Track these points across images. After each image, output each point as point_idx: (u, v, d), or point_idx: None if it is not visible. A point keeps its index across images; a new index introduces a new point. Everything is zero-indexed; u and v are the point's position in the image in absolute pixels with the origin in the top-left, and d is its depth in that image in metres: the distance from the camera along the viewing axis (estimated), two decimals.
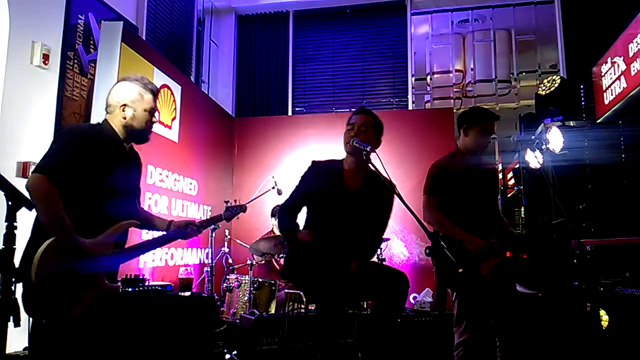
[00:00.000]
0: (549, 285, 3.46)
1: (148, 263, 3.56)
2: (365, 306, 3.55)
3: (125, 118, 2.05)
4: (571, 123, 4.17)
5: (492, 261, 2.48)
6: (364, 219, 2.38)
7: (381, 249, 4.01)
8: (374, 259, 3.84)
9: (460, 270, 2.57)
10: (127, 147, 2.11)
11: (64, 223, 1.78)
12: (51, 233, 1.77)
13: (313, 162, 2.55)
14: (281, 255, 3.74)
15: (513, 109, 5.53)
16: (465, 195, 2.57)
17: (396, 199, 2.10)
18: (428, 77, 5.77)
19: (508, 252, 2.60)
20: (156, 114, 2.16)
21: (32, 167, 2.92)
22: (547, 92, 4.30)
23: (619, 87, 3.80)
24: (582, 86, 4.90)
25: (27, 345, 2.87)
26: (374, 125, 2.44)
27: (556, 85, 4.27)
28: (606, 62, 4.07)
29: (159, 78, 3.74)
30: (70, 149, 1.88)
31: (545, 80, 4.45)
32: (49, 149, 1.90)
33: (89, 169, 1.89)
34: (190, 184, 4.25)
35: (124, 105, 2.05)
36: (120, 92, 2.08)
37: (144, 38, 4.29)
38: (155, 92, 2.16)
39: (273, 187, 4.05)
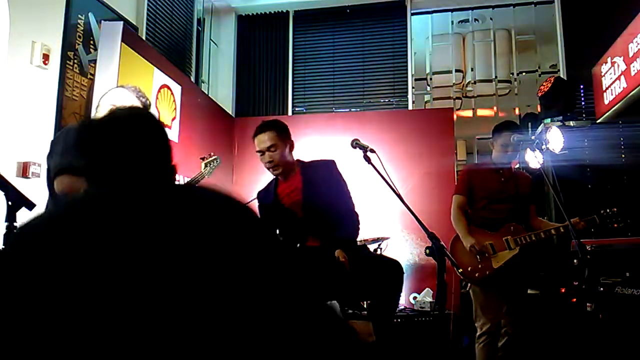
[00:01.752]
0: (549, 285, 3.46)
1: None
2: (365, 306, 3.55)
3: None
4: (571, 123, 4.16)
5: (504, 256, 2.78)
6: (319, 214, 2.38)
7: (381, 248, 4.01)
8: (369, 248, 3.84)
9: (461, 270, 2.71)
10: None
11: None
12: None
13: (257, 193, 2.61)
14: None
15: (513, 109, 5.53)
16: (489, 195, 2.89)
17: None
18: (428, 77, 5.77)
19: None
20: None
21: (33, 167, 2.93)
22: (543, 92, 4.31)
23: (619, 87, 3.80)
24: (582, 86, 4.90)
25: None
26: (280, 135, 2.40)
27: (550, 84, 4.27)
28: (606, 62, 4.06)
29: (159, 78, 3.74)
30: None
31: (544, 82, 4.46)
32: (57, 149, 1.92)
33: None
34: None
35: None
36: (116, 98, 2.11)
37: (144, 38, 4.28)
38: (147, 107, 2.20)
39: None
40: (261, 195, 2.61)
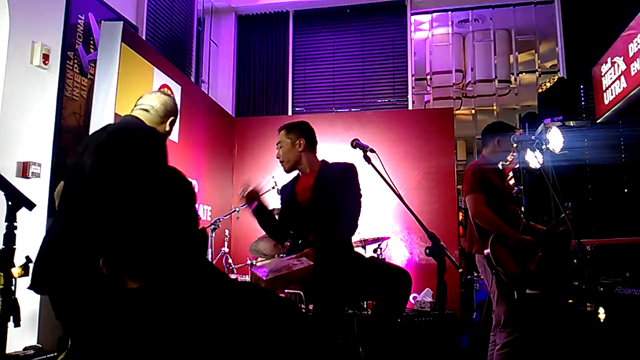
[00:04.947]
0: (549, 285, 3.46)
1: None
2: (365, 306, 3.55)
3: (167, 130, 2.11)
4: (571, 123, 4.17)
5: (536, 257, 2.67)
6: (326, 214, 2.39)
7: (381, 248, 4.01)
8: (374, 255, 3.84)
9: (507, 272, 2.60)
10: None
11: None
12: None
13: (281, 187, 2.73)
14: (281, 255, 3.74)
15: (513, 109, 5.54)
16: (499, 195, 2.74)
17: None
18: (428, 77, 5.77)
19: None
20: None
21: (33, 167, 2.93)
22: (544, 89, 4.31)
23: (619, 87, 3.80)
24: (582, 86, 4.90)
25: (27, 345, 2.87)
26: (287, 134, 2.55)
27: (552, 83, 4.27)
28: (606, 62, 4.07)
29: (159, 78, 3.74)
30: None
31: (545, 80, 4.46)
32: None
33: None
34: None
35: (173, 119, 2.12)
36: (171, 106, 2.12)
37: (144, 38, 4.28)
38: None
39: (273, 187, 4.04)
40: (282, 189, 2.71)
